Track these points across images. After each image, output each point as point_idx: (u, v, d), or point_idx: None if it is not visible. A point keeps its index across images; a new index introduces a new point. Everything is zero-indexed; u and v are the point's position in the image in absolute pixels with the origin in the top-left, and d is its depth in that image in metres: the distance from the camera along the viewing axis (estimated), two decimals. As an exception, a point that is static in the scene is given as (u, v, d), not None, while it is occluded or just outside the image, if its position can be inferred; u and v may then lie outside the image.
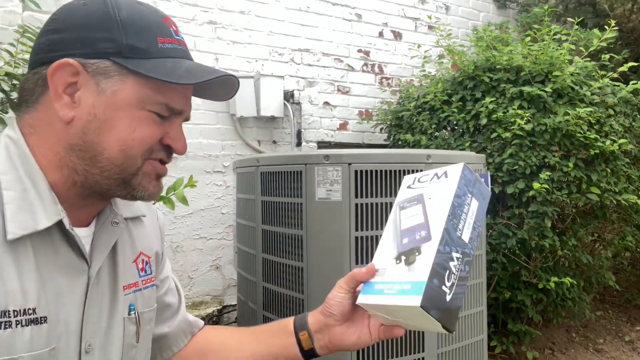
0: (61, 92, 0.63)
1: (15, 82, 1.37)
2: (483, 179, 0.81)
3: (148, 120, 0.65)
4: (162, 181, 0.73)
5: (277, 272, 1.69)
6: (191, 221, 2.86)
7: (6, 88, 1.40)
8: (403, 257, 0.72)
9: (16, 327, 0.58)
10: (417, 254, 0.70)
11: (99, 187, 0.66)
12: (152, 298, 0.81)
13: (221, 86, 0.72)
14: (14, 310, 0.58)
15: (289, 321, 0.81)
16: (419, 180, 0.81)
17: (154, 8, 0.68)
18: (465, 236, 0.73)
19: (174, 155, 0.72)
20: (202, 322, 0.93)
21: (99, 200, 0.70)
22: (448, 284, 0.68)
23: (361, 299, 0.73)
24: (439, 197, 0.75)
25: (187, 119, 0.72)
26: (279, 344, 0.81)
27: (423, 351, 1.57)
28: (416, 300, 0.65)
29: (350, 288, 0.75)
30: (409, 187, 0.82)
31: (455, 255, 0.70)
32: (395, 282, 0.70)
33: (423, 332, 1.57)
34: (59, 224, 0.63)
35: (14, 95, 1.39)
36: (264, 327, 0.86)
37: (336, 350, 0.78)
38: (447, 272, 0.68)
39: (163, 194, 1.52)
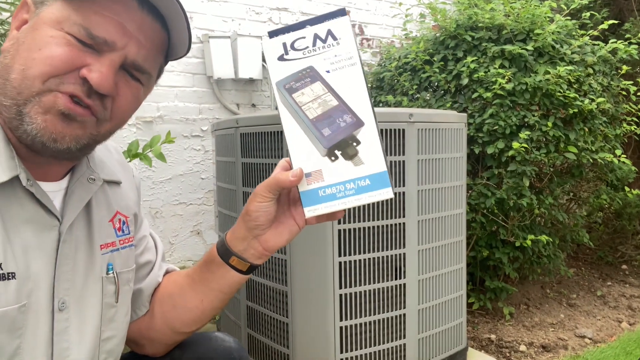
0: (13, 29, 0.61)
1: None
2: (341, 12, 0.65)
3: (60, 40, 0.58)
4: (69, 124, 0.60)
5: (259, 234, 1.68)
6: (170, 187, 2.81)
7: None
8: (338, 152, 0.63)
9: None
10: (354, 144, 0.63)
11: (12, 126, 0.59)
12: (131, 258, 0.79)
13: (177, 34, 0.66)
14: None
15: (213, 253, 0.76)
16: (293, 47, 0.65)
17: None
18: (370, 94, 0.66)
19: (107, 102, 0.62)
20: (162, 272, 0.88)
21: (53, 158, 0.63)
22: (387, 160, 0.65)
23: (311, 212, 0.65)
24: (342, 70, 0.63)
25: (129, 61, 0.63)
26: (216, 277, 0.77)
27: (404, 308, 1.60)
28: (388, 193, 0.62)
29: (275, 195, 0.68)
30: (282, 58, 0.65)
31: (377, 122, 0.64)
32: (347, 182, 0.63)
33: (404, 292, 1.60)
34: (19, 179, 0.60)
35: None
36: (197, 268, 0.81)
37: (273, 251, 0.74)
38: (383, 147, 0.64)
39: (139, 150, 1.47)
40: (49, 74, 0.58)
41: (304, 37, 0.64)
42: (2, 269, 0.57)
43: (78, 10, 0.59)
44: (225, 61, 2.79)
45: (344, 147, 0.63)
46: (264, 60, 2.93)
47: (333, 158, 0.64)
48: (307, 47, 0.64)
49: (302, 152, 0.65)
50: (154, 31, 0.65)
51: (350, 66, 0.63)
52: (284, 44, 0.65)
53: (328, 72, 0.64)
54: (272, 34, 0.65)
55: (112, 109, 0.63)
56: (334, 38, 0.63)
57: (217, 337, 0.87)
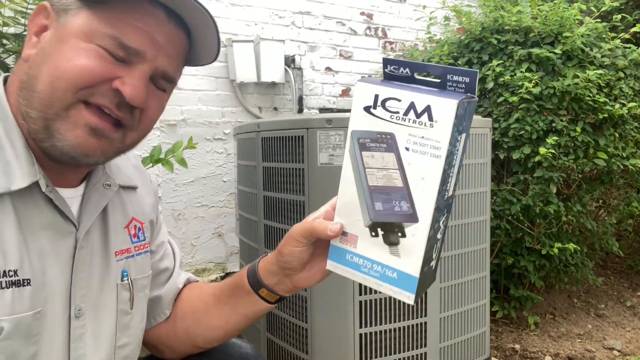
0: (32, 35, 0.61)
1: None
2: (469, 80, 0.57)
3: (91, 53, 0.58)
4: (99, 140, 0.60)
5: (279, 238, 1.68)
6: (192, 189, 2.84)
7: None
8: (380, 232, 0.59)
9: None
10: (399, 234, 0.58)
11: (37, 138, 0.60)
12: (146, 264, 0.79)
13: (203, 42, 0.67)
14: None
15: (243, 280, 0.75)
16: (384, 107, 0.58)
17: None
18: (451, 188, 0.59)
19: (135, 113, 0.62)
20: (182, 279, 0.88)
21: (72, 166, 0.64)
22: (433, 261, 0.60)
23: (331, 267, 0.64)
24: (423, 156, 0.56)
25: (159, 72, 0.63)
26: (244, 303, 0.76)
27: (425, 316, 1.57)
28: (409, 298, 0.58)
29: (309, 242, 0.67)
30: (368, 110, 0.59)
31: (441, 221, 0.59)
32: (376, 263, 0.60)
33: (425, 299, 1.57)
34: (39, 185, 0.60)
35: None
36: (224, 289, 0.80)
37: (303, 288, 0.73)
38: (433, 249, 0.59)
39: (162, 156, 1.49)
40: (81, 85, 0.58)
41: (399, 100, 0.57)
42: (17, 275, 0.57)
43: (107, 21, 0.59)
44: (248, 65, 2.80)
45: (388, 230, 0.59)
46: (286, 64, 2.94)
47: (373, 233, 0.60)
48: (398, 112, 0.57)
49: (348, 210, 0.62)
50: (179, 41, 0.65)
51: (433, 157, 0.55)
52: (376, 97, 0.58)
53: (407, 149, 0.57)
54: (387, 76, 0.61)
55: (140, 119, 0.64)
56: (430, 118, 0.55)
57: (235, 344, 0.87)
